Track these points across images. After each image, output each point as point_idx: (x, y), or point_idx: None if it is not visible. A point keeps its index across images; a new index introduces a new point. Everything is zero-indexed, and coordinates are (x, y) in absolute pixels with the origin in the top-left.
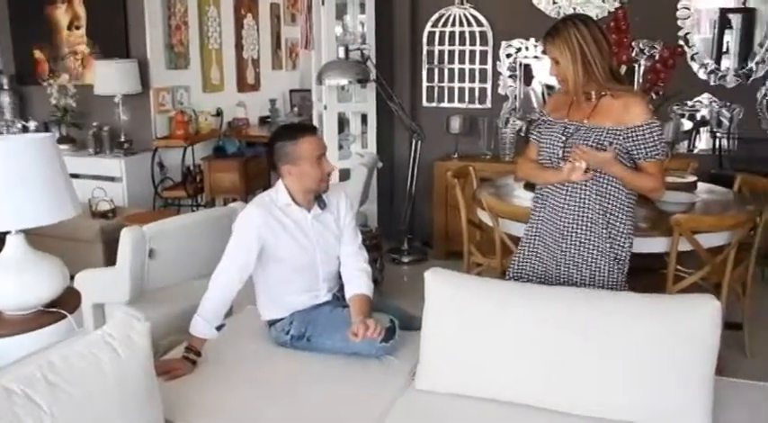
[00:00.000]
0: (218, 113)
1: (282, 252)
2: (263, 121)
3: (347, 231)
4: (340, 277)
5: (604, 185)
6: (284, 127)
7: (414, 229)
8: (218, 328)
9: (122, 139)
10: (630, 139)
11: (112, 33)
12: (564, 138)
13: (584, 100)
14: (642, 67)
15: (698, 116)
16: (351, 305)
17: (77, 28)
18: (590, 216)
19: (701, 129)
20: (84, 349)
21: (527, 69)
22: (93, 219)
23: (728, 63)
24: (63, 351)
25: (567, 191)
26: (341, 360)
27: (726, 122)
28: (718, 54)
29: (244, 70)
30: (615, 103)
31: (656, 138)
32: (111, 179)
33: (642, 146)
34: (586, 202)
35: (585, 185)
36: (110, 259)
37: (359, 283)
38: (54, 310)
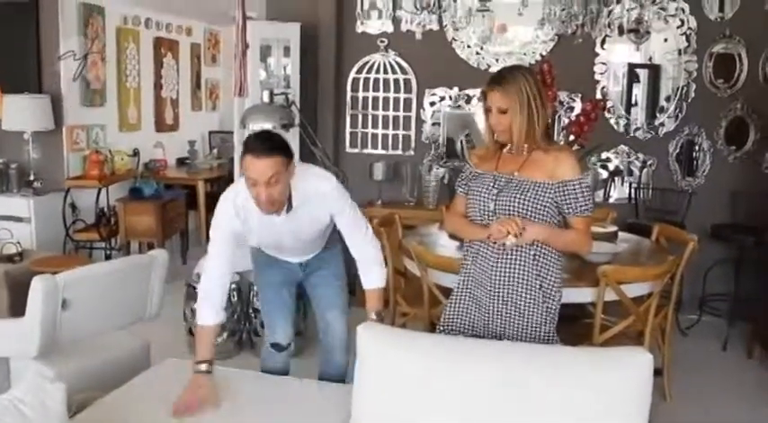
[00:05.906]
0: (135, 154)
1: (250, 235)
2: (182, 162)
3: (346, 229)
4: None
5: (536, 243)
6: (258, 134)
7: None
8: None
9: (32, 177)
10: (560, 194)
11: (24, 66)
12: (495, 191)
13: (516, 153)
14: (562, 120)
15: (611, 166)
16: (367, 298)
17: None
18: (523, 272)
19: (616, 178)
20: None
21: (450, 118)
22: None
23: (637, 115)
24: None
25: (499, 247)
26: (269, 411)
27: (637, 172)
28: (628, 106)
29: (162, 110)
30: (546, 158)
31: (585, 194)
32: (19, 220)
33: (573, 201)
34: (518, 259)
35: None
36: (15, 307)
37: (369, 278)
38: None
